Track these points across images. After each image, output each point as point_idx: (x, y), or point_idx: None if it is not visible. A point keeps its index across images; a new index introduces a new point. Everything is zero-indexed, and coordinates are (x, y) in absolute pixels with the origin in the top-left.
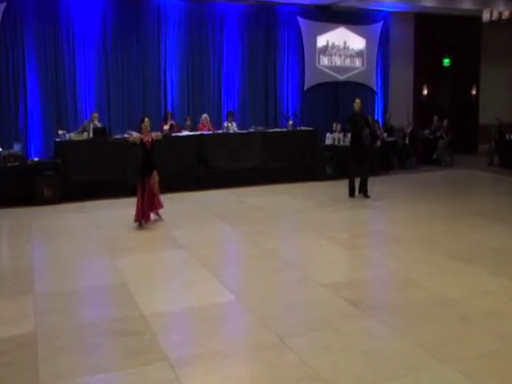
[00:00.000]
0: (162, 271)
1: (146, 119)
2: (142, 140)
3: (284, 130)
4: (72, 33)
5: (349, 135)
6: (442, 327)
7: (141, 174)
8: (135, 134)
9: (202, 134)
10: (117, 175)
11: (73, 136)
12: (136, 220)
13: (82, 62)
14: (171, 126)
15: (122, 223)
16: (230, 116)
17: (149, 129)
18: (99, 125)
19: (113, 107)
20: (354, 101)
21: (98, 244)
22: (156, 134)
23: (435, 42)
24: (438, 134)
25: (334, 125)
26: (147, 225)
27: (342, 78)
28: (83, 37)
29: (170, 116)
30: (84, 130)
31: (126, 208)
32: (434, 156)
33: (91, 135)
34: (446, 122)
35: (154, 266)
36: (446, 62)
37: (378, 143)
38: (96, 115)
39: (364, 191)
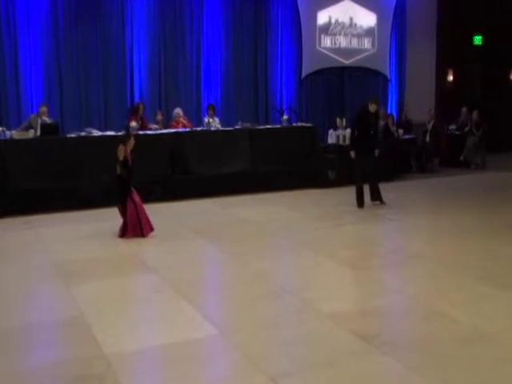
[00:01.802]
0: (129, 301)
1: (133, 137)
2: (125, 156)
3: (277, 126)
4: (13, 7)
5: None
6: (475, 369)
7: (123, 197)
8: (121, 147)
9: (177, 133)
10: (71, 182)
11: (15, 134)
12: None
13: (25, 43)
14: (142, 122)
15: (79, 242)
16: (212, 110)
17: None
18: (49, 120)
19: (66, 99)
20: (362, 86)
21: (48, 268)
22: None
23: (463, 16)
24: (467, 129)
25: (338, 120)
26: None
27: (347, 62)
28: (27, 12)
29: (142, 109)
30: (29, 127)
31: (82, 223)
32: (462, 157)
33: (39, 133)
34: (475, 113)
35: (118, 295)
36: (478, 39)
37: (376, 152)
38: (44, 109)
39: (378, 198)
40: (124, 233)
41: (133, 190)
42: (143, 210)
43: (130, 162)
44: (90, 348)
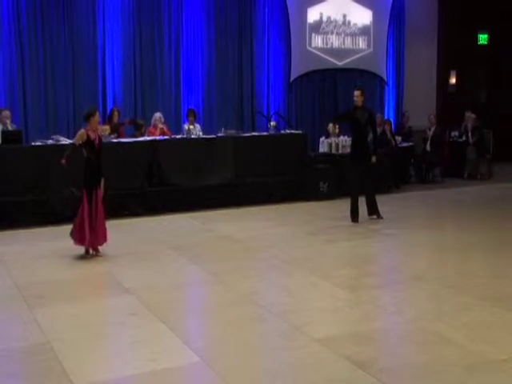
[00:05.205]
0: (101, 326)
1: (97, 113)
2: (88, 138)
3: (264, 133)
4: None
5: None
6: None
7: (89, 183)
8: (81, 132)
9: (154, 141)
10: (36, 196)
11: None
12: (80, 244)
13: None
14: (117, 130)
15: (45, 261)
16: (192, 115)
17: (97, 126)
18: (11, 127)
19: (30, 104)
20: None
21: (9, 291)
22: (102, 129)
23: (467, 13)
24: (464, 136)
25: (331, 126)
26: (92, 256)
27: (340, 63)
28: None
29: (116, 115)
30: None
31: (49, 240)
32: (465, 174)
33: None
34: (472, 117)
35: (88, 320)
36: (483, 38)
37: (373, 159)
38: (7, 113)
39: (375, 212)
40: (72, 232)
41: (101, 183)
42: (101, 213)
43: (97, 144)
44: (58, 379)
